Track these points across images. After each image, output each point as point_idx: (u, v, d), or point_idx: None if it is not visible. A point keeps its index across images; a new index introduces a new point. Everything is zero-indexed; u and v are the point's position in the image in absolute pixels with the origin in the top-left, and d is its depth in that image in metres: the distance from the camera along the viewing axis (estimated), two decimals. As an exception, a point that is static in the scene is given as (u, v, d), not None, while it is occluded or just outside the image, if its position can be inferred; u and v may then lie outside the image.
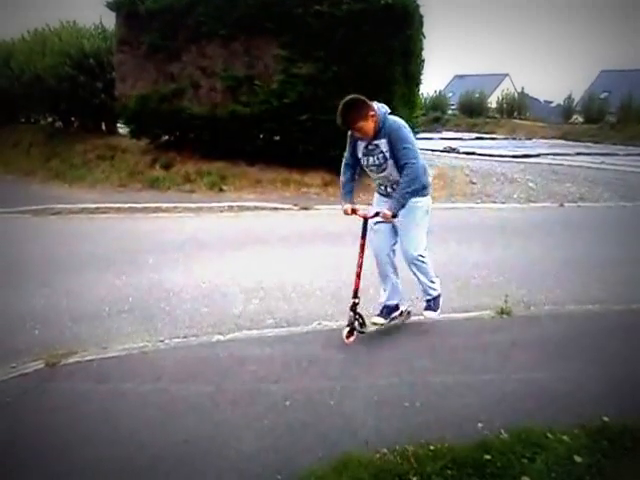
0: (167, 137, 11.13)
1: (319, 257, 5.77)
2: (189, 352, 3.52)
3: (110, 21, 11.49)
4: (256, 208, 8.54)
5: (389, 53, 9.00)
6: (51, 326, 3.91)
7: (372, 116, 3.44)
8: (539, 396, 2.95)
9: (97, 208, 8.19)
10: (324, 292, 4.63)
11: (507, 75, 47.68)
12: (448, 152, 17.39)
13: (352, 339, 3.57)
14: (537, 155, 17.39)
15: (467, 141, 23.06)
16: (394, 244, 3.75)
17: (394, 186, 3.60)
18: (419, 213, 3.62)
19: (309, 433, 2.62)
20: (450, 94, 39.72)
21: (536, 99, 42.74)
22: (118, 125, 12.81)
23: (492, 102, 35.46)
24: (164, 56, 10.14)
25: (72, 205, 8.28)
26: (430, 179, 3.87)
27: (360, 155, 3.64)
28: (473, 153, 17.11)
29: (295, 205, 8.64)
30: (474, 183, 11.00)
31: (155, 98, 10.15)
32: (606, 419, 2.61)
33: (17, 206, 8.04)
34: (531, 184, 11.21)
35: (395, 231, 3.71)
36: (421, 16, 9.71)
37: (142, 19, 10.01)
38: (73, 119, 13.02)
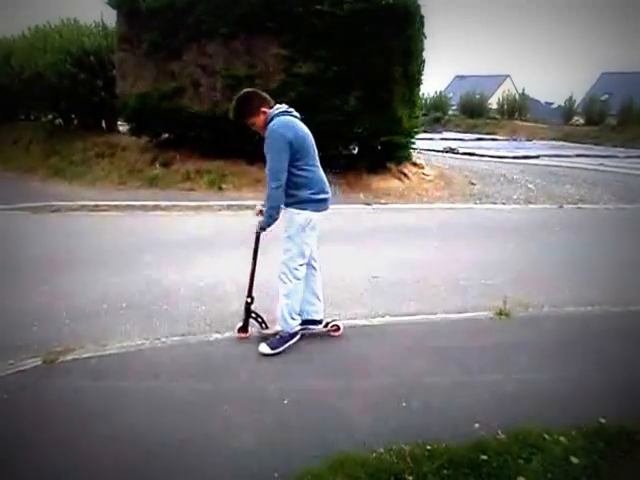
0: (167, 135, 11.10)
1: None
2: (187, 350, 3.52)
3: (111, 19, 11.51)
4: (255, 207, 8.51)
5: (390, 53, 8.96)
6: (49, 323, 3.91)
7: (264, 112, 3.26)
8: (537, 397, 2.95)
9: (96, 206, 8.18)
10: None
11: (508, 76, 47.74)
12: (447, 152, 17.40)
13: (245, 335, 3.62)
14: (537, 156, 17.41)
15: (468, 142, 23.07)
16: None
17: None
18: (293, 225, 3.46)
19: (307, 432, 2.63)
20: (450, 95, 39.70)
21: (537, 100, 42.80)
22: (118, 123, 12.81)
23: (493, 103, 35.45)
24: (165, 54, 10.11)
25: (71, 202, 8.26)
26: (325, 196, 3.44)
27: None
28: (473, 154, 17.12)
29: (294, 204, 8.62)
30: (473, 184, 10.98)
31: (155, 96, 10.13)
32: (603, 420, 2.61)
33: (17, 203, 8.02)
34: (531, 185, 11.21)
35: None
36: (422, 16, 9.67)
37: (143, 17, 9.99)
38: (73, 116, 12.99)
